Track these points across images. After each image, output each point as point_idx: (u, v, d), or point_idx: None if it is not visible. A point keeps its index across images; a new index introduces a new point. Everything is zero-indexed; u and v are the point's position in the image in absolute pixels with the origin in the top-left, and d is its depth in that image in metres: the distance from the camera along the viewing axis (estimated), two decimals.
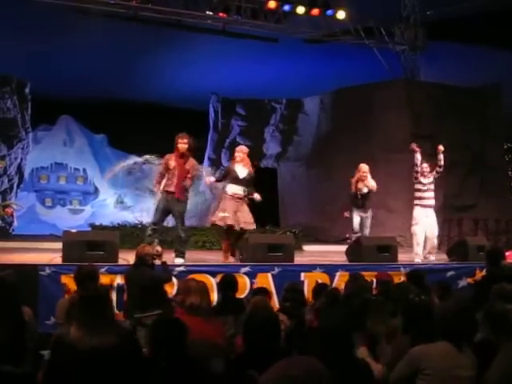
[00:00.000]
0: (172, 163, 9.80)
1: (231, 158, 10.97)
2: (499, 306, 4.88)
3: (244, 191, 10.29)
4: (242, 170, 10.32)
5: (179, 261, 9.68)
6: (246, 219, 10.25)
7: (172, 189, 9.80)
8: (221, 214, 10.14)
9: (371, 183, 11.60)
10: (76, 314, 4.26)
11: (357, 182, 11.58)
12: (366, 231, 11.71)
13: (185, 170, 9.84)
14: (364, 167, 11.63)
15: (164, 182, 9.94)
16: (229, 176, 10.38)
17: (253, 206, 10.54)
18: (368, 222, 11.73)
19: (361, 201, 11.59)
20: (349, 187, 11.70)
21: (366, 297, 6.11)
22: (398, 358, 4.52)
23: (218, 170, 16.95)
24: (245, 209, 10.31)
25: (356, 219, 11.64)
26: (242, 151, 10.59)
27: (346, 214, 11.82)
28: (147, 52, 17.52)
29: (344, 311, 5.47)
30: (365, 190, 11.50)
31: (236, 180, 10.26)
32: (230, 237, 10.35)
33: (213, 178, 10.98)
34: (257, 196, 10.38)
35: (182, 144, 9.87)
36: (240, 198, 10.24)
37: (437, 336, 4.43)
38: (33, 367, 4.63)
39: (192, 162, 10.02)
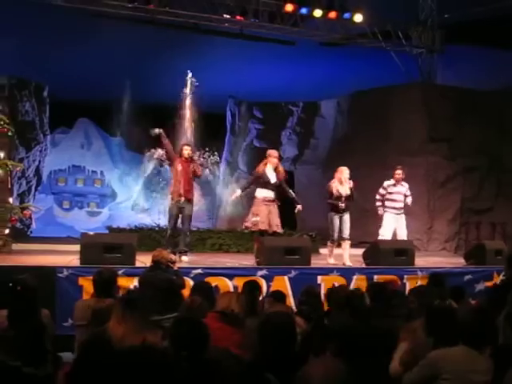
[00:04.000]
0: (179, 167, 10.31)
1: (259, 161, 10.93)
2: None
3: (274, 195, 10.44)
4: (273, 175, 10.44)
5: (185, 259, 10.23)
6: (277, 222, 10.42)
7: (181, 192, 10.19)
8: (254, 219, 10.29)
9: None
10: (119, 315, 4.28)
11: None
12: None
13: (190, 172, 10.36)
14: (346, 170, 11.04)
15: (171, 187, 10.47)
16: (259, 180, 10.49)
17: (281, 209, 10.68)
18: None
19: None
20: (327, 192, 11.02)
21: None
22: (416, 359, 4.50)
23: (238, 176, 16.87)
24: (276, 211, 10.45)
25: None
26: (274, 156, 10.65)
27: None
28: (164, 55, 17.57)
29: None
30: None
31: (267, 184, 10.39)
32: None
33: (238, 192, 10.74)
34: (299, 207, 10.63)
35: (188, 150, 10.49)
36: (270, 201, 10.39)
37: (459, 340, 4.42)
38: (53, 369, 4.65)
39: (195, 162, 10.70)
